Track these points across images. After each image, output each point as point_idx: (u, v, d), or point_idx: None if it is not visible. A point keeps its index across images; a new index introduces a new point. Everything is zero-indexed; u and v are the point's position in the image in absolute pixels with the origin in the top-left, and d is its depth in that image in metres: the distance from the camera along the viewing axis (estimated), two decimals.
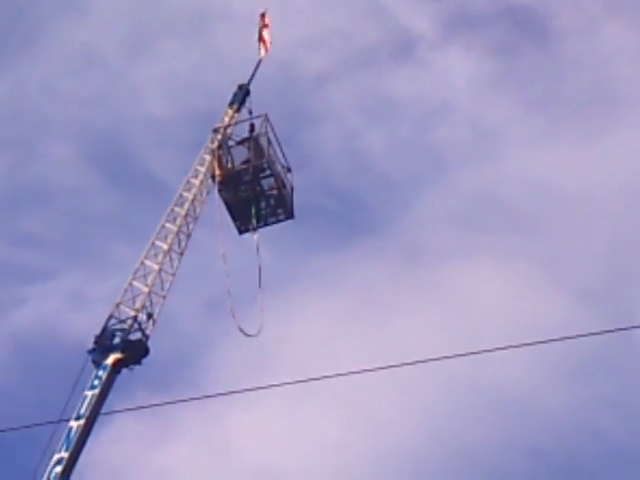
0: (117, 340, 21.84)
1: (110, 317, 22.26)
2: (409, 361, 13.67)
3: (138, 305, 22.49)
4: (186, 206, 24.81)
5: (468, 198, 44.18)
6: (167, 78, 45.86)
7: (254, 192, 26.41)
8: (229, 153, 26.57)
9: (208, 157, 26.23)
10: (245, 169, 26.29)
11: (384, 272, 41.66)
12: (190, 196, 25.09)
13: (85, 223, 43.35)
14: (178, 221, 24.42)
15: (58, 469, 19.54)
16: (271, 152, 26.48)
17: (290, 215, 27.07)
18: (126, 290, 22.84)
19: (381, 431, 38.07)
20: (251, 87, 28.21)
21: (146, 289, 22.81)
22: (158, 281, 23.08)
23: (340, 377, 13.67)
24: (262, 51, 29.37)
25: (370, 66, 46.86)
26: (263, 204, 26.68)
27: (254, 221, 26.29)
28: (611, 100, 45.94)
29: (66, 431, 20.07)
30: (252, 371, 33.89)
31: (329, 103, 46.04)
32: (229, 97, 27.98)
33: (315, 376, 13.42)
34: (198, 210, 25.10)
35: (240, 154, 26.60)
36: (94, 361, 21.52)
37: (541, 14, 48.74)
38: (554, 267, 42.39)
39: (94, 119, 45.33)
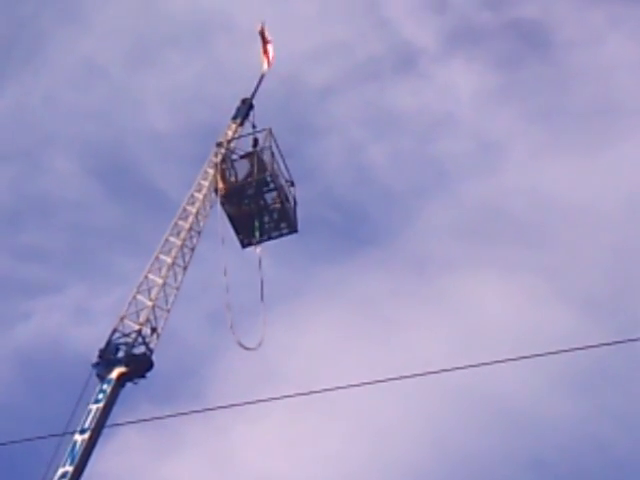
0: (121, 354, 21.85)
1: (114, 331, 22.30)
2: (411, 374, 13.68)
3: (142, 319, 22.50)
4: (190, 220, 24.87)
5: (472, 210, 44.45)
6: (170, 91, 46.24)
7: (257, 206, 26.53)
8: (232, 167, 26.68)
9: (211, 171, 26.34)
10: (248, 183, 26.41)
11: (388, 284, 41.87)
12: (194, 210, 25.16)
13: (89, 236, 43.63)
14: (182, 235, 24.48)
15: None
16: (274, 166, 26.60)
17: (294, 229, 27.18)
18: (130, 304, 22.87)
19: (384, 443, 38.20)
20: (254, 101, 28.42)
21: (150, 303, 22.83)
22: (162, 295, 23.12)
23: (343, 389, 13.70)
24: (265, 65, 29.50)
25: (373, 79, 47.22)
26: (266, 218, 26.80)
27: (257, 234, 26.37)
28: (614, 112, 46.16)
29: (70, 445, 20.04)
30: (256, 383, 34.03)
31: (332, 116, 46.35)
32: (232, 110, 28.19)
33: (319, 388, 13.44)
34: (202, 224, 25.17)
35: (243, 168, 26.70)
36: (98, 375, 21.51)
37: (544, 27, 49.03)
38: (558, 279, 42.59)
39: (97, 132, 45.68)
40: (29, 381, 38.23)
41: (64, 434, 19.56)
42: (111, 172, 44.77)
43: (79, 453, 19.90)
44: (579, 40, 47.95)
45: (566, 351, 13.73)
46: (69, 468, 19.70)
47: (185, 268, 24.00)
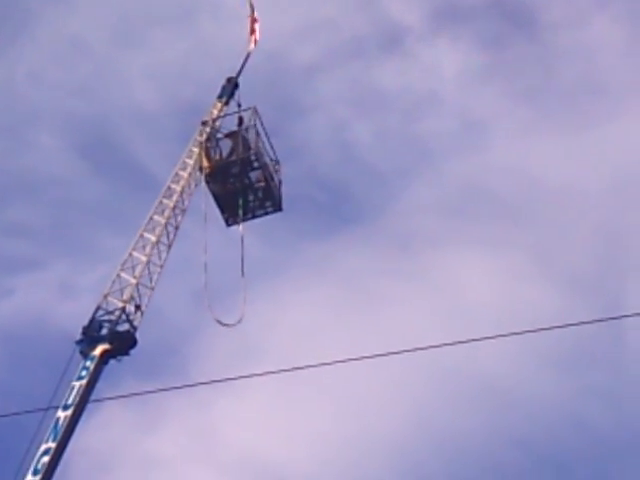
0: (105, 331, 21.89)
1: (98, 308, 22.33)
2: (396, 350, 13.67)
3: (126, 296, 22.56)
4: (174, 198, 24.92)
5: (456, 189, 44.50)
6: (156, 69, 46.02)
7: (242, 185, 26.50)
8: (217, 146, 26.67)
9: (196, 149, 26.35)
10: (233, 161, 26.38)
11: (372, 261, 41.90)
12: (178, 188, 25.19)
13: (73, 213, 43.52)
14: (166, 213, 24.52)
15: (45, 459, 19.59)
16: (259, 145, 26.58)
17: (278, 208, 27.20)
18: (114, 281, 22.92)
19: (369, 421, 38.38)
20: (240, 79, 28.28)
21: (134, 281, 22.91)
22: (146, 273, 23.19)
23: (328, 366, 13.68)
24: (251, 45, 29.39)
25: (358, 58, 47.09)
26: (251, 197, 26.78)
27: (240, 213, 26.35)
28: (600, 92, 46.24)
29: (53, 421, 20.10)
30: (240, 360, 34.11)
31: (318, 94, 46.22)
32: (218, 89, 28.09)
33: (302, 365, 13.42)
34: (186, 202, 25.22)
35: (228, 147, 26.66)
36: (82, 352, 21.54)
37: (530, 6, 48.97)
38: (543, 257, 42.75)
39: (82, 109, 45.43)
40: (12, 357, 38.17)
41: (48, 408, 19.60)
42: (96, 149, 44.57)
43: (62, 429, 19.97)
44: (565, 20, 47.95)
45: (550, 329, 13.75)
46: (52, 444, 19.78)
47: (169, 246, 24.08)
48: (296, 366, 13.53)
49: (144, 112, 45.32)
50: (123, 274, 23.05)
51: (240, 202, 26.29)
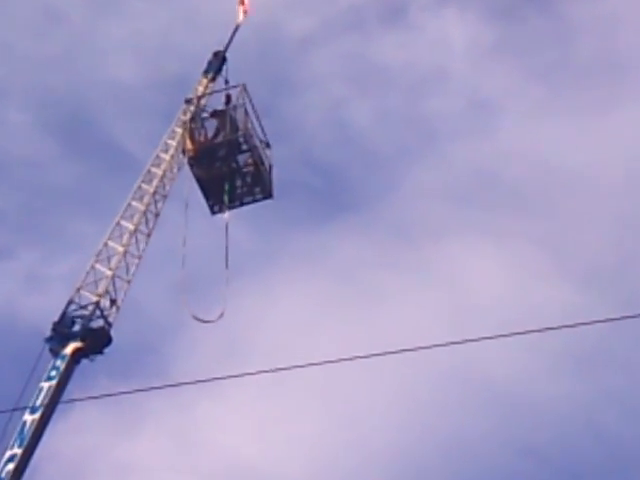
0: (77, 327, 21.84)
1: (70, 302, 22.26)
2: (395, 349, 13.49)
3: (101, 290, 22.50)
4: (155, 183, 24.82)
5: (463, 174, 44.33)
6: (136, 40, 45.79)
7: (229, 169, 26.37)
8: (202, 126, 26.54)
9: (179, 130, 26.22)
10: (219, 144, 26.26)
11: (370, 252, 41.74)
12: (159, 172, 25.09)
13: (43, 197, 43.31)
14: (146, 199, 24.44)
15: (10, 467, 19.56)
16: (248, 126, 26.43)
17: (268, 195, 27.08)
18: (87, 273, 22.85)
19: (363, 425, 38.23)
20: (228, 53, 28.17)
21: (109, 273, 22.85)
22: (123, 264, 23.15)
23: (319, 367, 13.49)
24: (240, 16, 29.24)
25: (357, 30, 46.86)
26: (239, 182, 26.67)
27: (226, 198, 26.22)
28: (619, 69, 45.89)
29: (20, 425, 20.01)
30: (225, 358, 34.09)
31: (312, 70, 46.03)
32: (204, 64, 27.93)
33: (293, 364, 13.23)
34: (167, 187, 25.12)
35: (214, 127, 26.49)
36: (52, 350, 21.49)
37: None
38: (556, 249, 42.57)
39: (55, 83, 45.19)
40: None
41: (14, 410, 19.53)
42: (70, 127, 44.41)
43: (29, 434, 19.92)
44: None
45: (565, 327, 13.58)
46: (17, 450, 19.78)
47: (148, 235, 24.01)
48: (282, 366, 13.35)
49: (123, 87, 45.11)
50: (98, 265, 22.97)
51: (226, 187, 26.15)
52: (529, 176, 44.02)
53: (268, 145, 26.99)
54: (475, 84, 46.39)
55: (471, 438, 38.10)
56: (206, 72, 27.79)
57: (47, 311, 22.43)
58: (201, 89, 27.34)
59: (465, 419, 38.16)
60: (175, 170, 25.61)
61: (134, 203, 24.29)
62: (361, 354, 13.50)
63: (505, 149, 44.46)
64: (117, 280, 22.77)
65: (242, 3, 29.50)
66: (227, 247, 25.45)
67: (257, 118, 26.68)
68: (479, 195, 43.62)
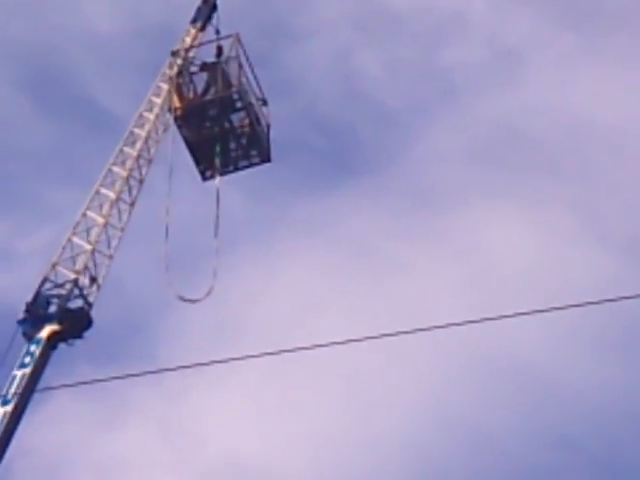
0: (53, 309, 21.74)
1: (44, 280, 22.15)
2: (409, 329, 13.29)
3: (79, 266, 22.40)
4: (138, 146, 24.75)
5: (485, 131, 44.35)
6: None
7: (221, 129, 26.23)
8: (191, 81, 26.42)
9: (165, 86, 26.09)
10: (210, 101, 26.13)
11: (383, 221, 41.74)
12: (143, 134, 25.03)
13: (13, 161, 42.92)
14: (128, 164, 24.37)
15: None
16: (243, 80, 26.28)
17: (266, 158, 26.94)
18: (64, 247, 22.75)
19: (375, 413, 38.12)
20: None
21: (89, 247, 22.77)
22: (103, 237, 23.08)
23: (324, 349, 13.31)
24: None
25: None
26: (232, 144, 26.55)
27: (217, 161, 26.04)
28: None
29: None
30: (218, 341, 34.07)
31: (315, 15, 45.86)
32: (192, 11, 27.85)
33: (296, 345, 13.04)
34: (153, 151, 25.04)
35: (205, 83, 26.33)
36: (25, 333, 21.35)
37: None
38: (591, 214, 42.64)
39: (25, 34, 45.03)
40: None
41: None
42: (41, 83, 44.30)
43: (1, 429, 19.66)
44: None
45: (602, 302, 13.39)
46: None
47: (132, 205, 23.96)
48: (284, 348, 13.18)
49: (100, 37, 44.94)
50: (75, 238, 22.91)
51: (217, 149, 26.01)
52: (560, 133, 44.10)
53: (265, 102, 26.83)
54: (498, 31, 46.38)
55: (498, 431, 38.20)
56: (194, 21, 27.74)
57: (19, 290, 22.37)
58: (189, 40, 27.25)
59: (491, 409, 38.23)
60: (161, 131, 25.55)
61: (115, 168, 24.21)
62: (372, 334, 13.35)
63: (532, 103, 44.37)
64: (97, 255, 22.71)
65: None
66: (218, 215, 25.32)
67: (252, 71, 26.56)
68: (504, 155, 43.67)
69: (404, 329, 13.36)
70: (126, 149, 24.63)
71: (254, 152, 26.81)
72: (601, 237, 42.25)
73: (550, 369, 38.89)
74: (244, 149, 26.72)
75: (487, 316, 13.16)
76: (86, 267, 22.39)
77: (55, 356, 21.25)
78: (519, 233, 41.35)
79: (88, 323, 21.82)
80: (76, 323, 21.66)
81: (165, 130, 25.67)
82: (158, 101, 25.75)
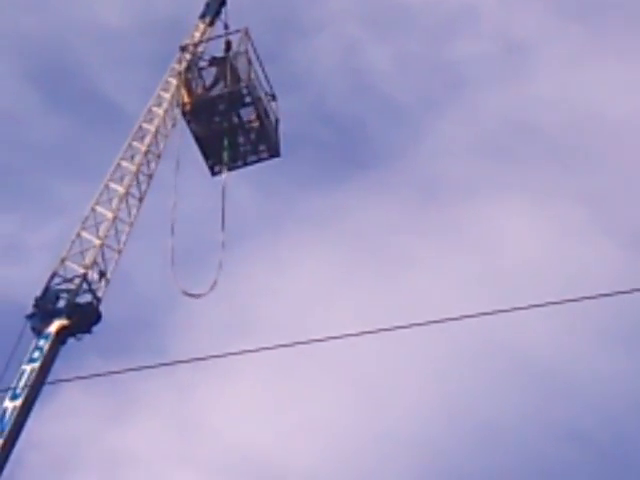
0: (62, 303, 21.74)
1: (53, 275, 22.18)
2: (421, 321, 13.33)
3: (88, 261, 22.43)
4: (147, 141, 24.80)
5: (494, 125, 44.44)
6: None
7: (230, 124, 26.32)
8: (200, 76, 26.54)
9: (174, 81, 26.17)
10: (219, 96, 26.21)
11: (392, 214, 41.81)
12: (152, 129, 25.09)
13: (22, 155, 43.24)
14: (137, 159, 24.42)
15: None
16: (252, 75, 26.36)
17: (275, 153, 27.06)
18: (73, 242, 22.78)
19: (387, 407, 38.15)
20: None
21: (98, 241, 22.80)
22: (112, 232, 23.10)
23: (337, 341, 13.38)
24: None
25: None
26: (241, 139, 26.65)
27: (225, 156, 26.10)
28: None
29: (0, 413, 19.88)
30: (229, 334, 34.11)
31: (324, 9, 45.92)
32: (201, 6, 27.98)
33: (305, 339, 13.11)
34: (162, 146, 25.09)
35: (213, 78, 26.43)
36: (34, 328, 21.39)
37: None
38: (601, 207, 42.57)
39: (34, 28, 45.10)
40: None
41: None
42: (50, 77, 44.39)
43: (10, 423, 19.78)
44: None
45: (614, 295, 13.41)
46: None
47: (141, 199, 24.00)
48: (297, 340, 13.24)
49: (109, 32, 45.06)
50: (84, 233, 22.92)
51: (225, 143, 26.08)
52: (569, 126, 44.14)
53: (274, 97, 26.96)
54: (507, 25, 46.33)
55: (509, 423, 38.17)
56: (203, 15, 27.87)
57: (28, 285, 22.45)
58: (198, 34, 27.35)
59: (502, 402, 38.21)
60: (170, 126, 25.61)
61: (124, 163, 24.26)
62: (384, 327, 13.39)
63: (542, 97, 44.46)
64: (106, 250, 22.74)
65: None
66: (223, 208, 25.37)
67: (261, 66, 26.64)
68: (513, 148, 43.75)
69: (417, 321, 13.40)
70: (135, 144, 24.67)
71: (263, 147, 26.92)
72: (610, 229, 42.31)
73: (558, 362, 39.03)
74: (253, 144, 26.81)
75: (496, 309, 13.19)
76: (95, 262, 22.41)
77: (64, 351, 21.32)
78: (528, 226, 41.44)
79: (97, 318, 21.86)
80: (85, 318, 21.69)
81: (174, 125, 25.75)
82: (167, 96, 25.82)
